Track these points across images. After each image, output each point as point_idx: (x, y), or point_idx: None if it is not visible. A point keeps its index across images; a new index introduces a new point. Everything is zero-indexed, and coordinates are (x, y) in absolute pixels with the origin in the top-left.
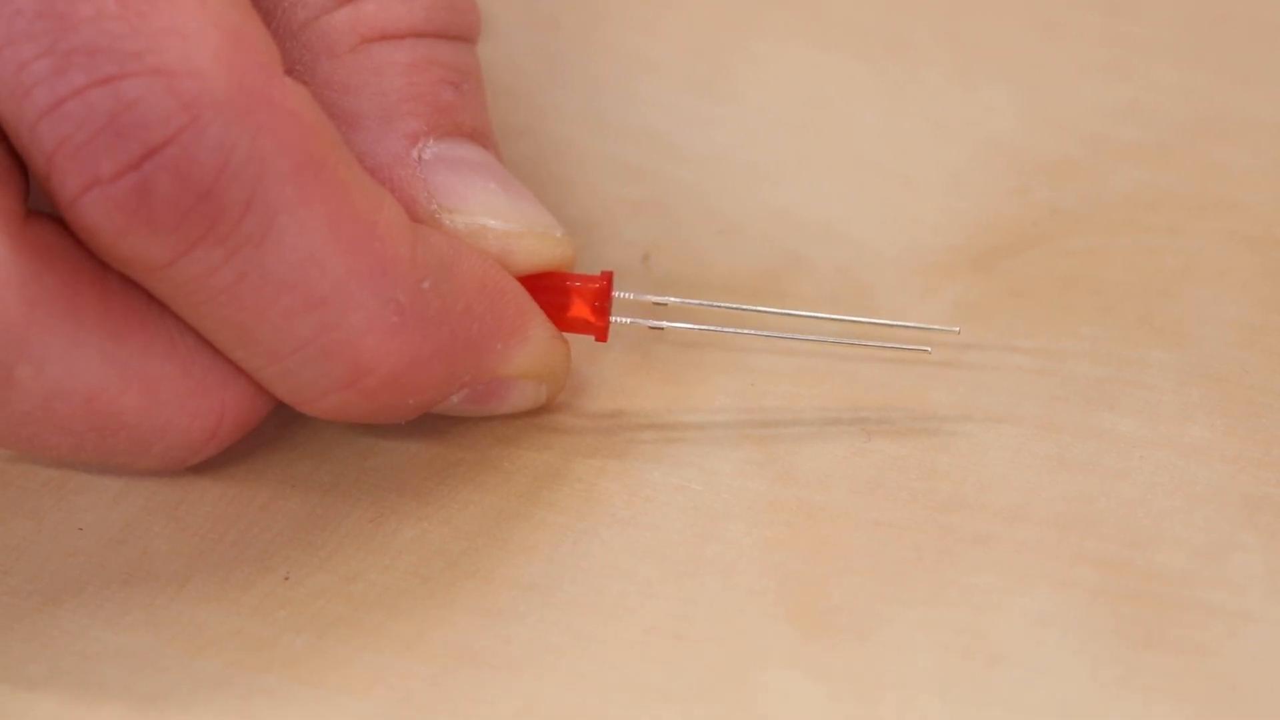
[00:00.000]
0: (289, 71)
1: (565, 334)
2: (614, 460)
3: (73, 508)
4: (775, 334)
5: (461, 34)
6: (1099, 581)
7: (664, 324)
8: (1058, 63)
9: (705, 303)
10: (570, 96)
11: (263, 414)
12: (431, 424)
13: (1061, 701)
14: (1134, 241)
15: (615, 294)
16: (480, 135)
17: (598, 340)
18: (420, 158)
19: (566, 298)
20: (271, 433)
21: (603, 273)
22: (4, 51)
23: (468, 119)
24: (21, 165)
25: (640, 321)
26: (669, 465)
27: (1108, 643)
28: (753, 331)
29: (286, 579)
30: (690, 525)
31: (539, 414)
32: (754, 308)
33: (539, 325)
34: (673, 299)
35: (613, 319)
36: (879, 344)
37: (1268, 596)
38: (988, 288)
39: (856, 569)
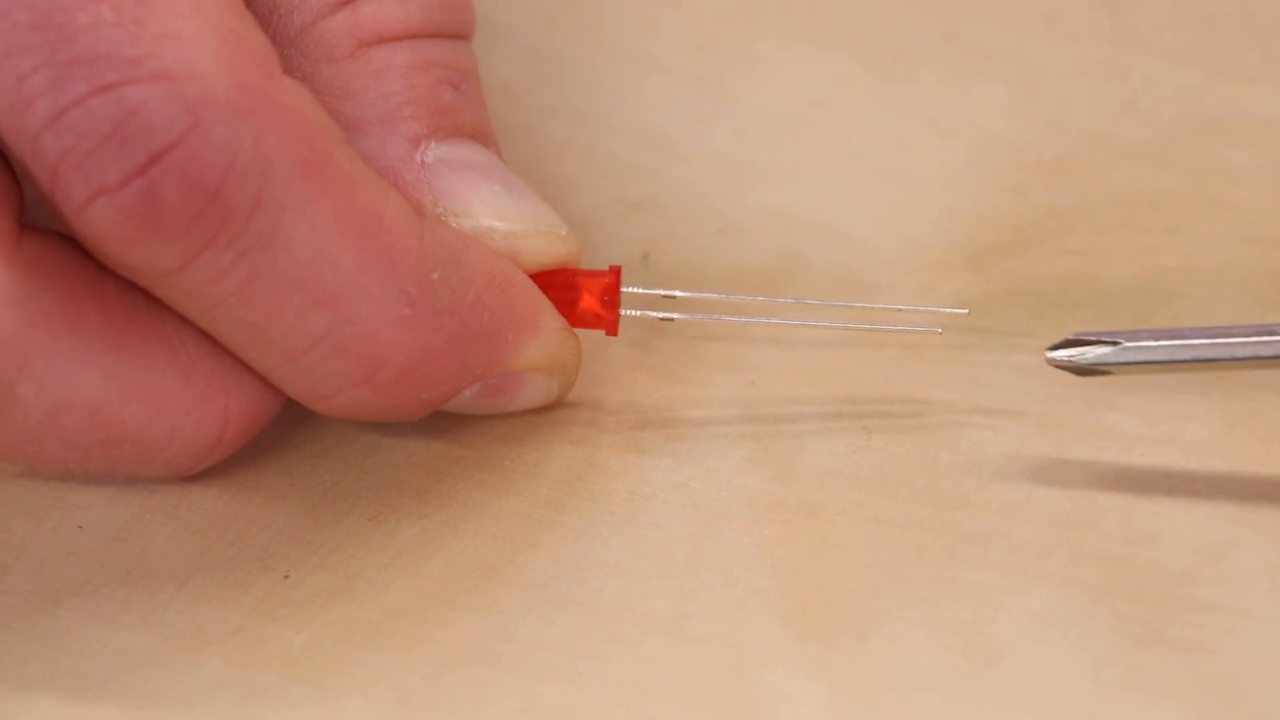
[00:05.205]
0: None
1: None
2: (614, 458)
3: (72, 506)
4: (788, 320)
5: (458, 32)
6: (1099, 579)
7: (674, 315)
8: (1056, 61)
9: (713, 294)
10: (570, 96)
11: (268, 418)
12: (431, 422)
13: (1061, 700)
14: (1132, 240)
15: (622, 289)
16: (481, 134)
17: (608, 334)
18: (423, 161)
19: (576, 293)
20: (271, 432)
21: (610, 267)
22: (2, 65)
23: (468, 119)
24: (15, 182)
25: (650, 313)
26: (669, 463)
27: (1108, 641)
28: (764, 319)
29: (286, 577)
30: (690, 523)
31: (538, 412)
32: (761, 298)
33: (550, 317)
34: (680, 292)
35: (623, 312)
36: (892, 327)
37: (1267, 595)
38: (986, 286)
39: (857, 567)
